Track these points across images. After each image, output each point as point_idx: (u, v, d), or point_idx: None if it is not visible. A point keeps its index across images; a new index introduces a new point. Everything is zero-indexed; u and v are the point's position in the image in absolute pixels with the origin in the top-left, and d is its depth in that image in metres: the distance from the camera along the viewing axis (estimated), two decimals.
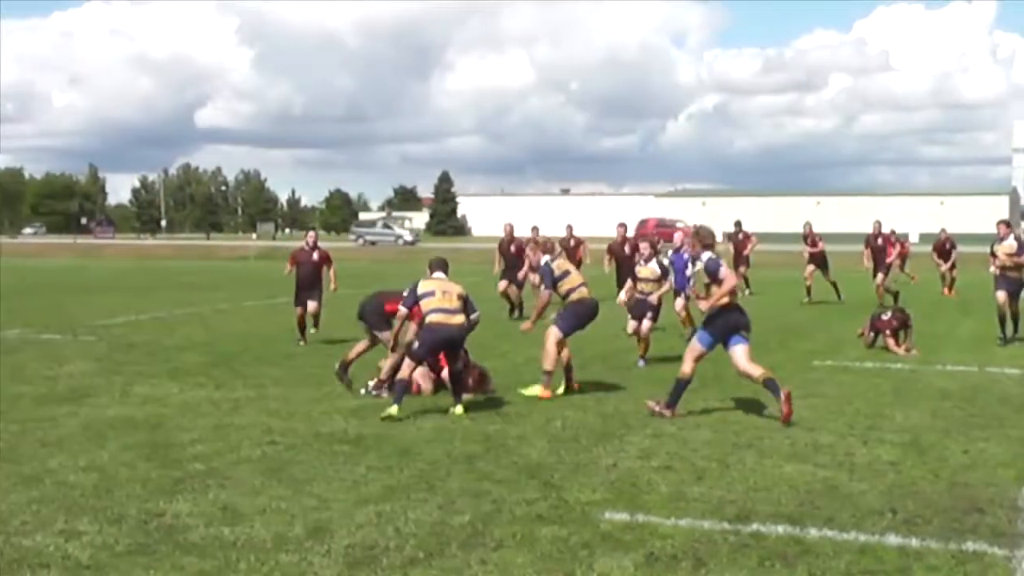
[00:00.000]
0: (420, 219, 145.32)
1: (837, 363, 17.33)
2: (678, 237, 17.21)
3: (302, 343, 19.46)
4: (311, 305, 19.88)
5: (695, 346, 12.64)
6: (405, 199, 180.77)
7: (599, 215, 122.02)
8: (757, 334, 13.30)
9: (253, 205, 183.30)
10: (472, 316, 13.09)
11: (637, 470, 9.92)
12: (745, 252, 32.91)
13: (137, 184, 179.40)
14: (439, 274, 13.26)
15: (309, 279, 19.96)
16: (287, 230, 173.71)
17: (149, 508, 8.53)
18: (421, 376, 13.83)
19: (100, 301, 30.64)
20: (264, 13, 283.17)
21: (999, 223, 20.20)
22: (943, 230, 35.64)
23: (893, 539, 7.79)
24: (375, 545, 7.64)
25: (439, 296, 12.82)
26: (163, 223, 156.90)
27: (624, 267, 22.94)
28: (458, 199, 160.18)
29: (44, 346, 18.97)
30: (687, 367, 12.49)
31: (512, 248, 25.68)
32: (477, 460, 10.24)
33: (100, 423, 11.94)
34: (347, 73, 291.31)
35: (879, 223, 30.46)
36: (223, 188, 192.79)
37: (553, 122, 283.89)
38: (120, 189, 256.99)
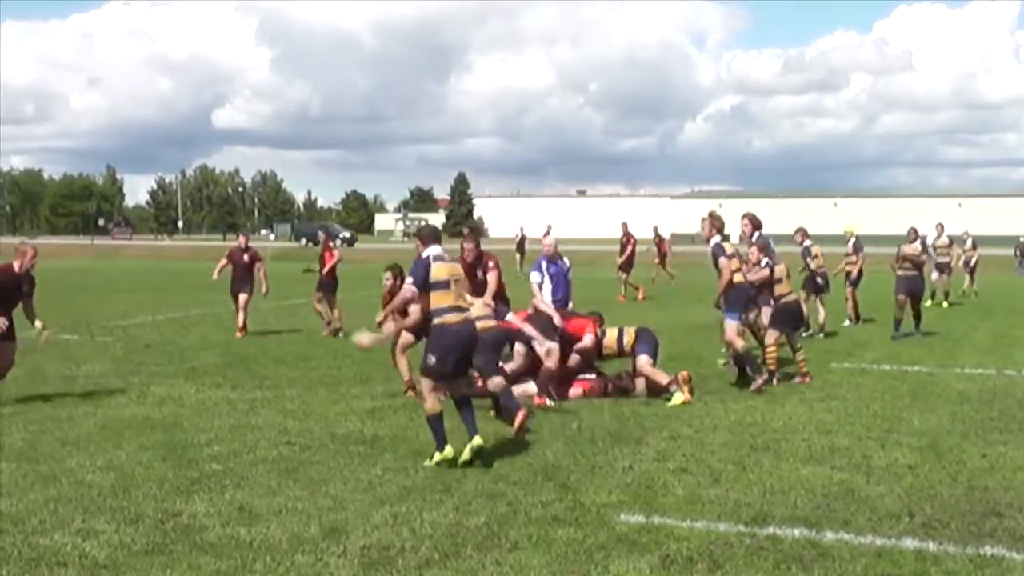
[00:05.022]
0: (436, 220, 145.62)
1: (855, 365, 17.29)
2: (549, 243, 15.92)
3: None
4: (242, 298, 21.85)
5: None
6: (421, 200, 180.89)
7: (617, 217, 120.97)
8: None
9: (270, 206, 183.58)
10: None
11: (653, 472, 9.90)
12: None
13: (154, 185, 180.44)
14: (438, 249, 10.54)
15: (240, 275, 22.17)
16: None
17: (166, 508, 8.56)
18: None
19: (117, 302, 30.75)
20: (283, 13, 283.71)
21: None
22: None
23: (910, 543, 7.76)
24: (391, 546, 7.65)
25: (454, 289, 10.40)
26: (180, 224, 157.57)
27: None
28: (474, 200, 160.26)
29: (62, 346, 19.03)
30: None
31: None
32: (493, 461, 10.20)
33: (117, 423, 12.00)
34: (365, 74, 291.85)
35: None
36: (240, 189, 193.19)
37: (571, 123, 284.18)
38: (138, 190, 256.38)
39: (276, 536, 7.85)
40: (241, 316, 21.58)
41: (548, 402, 13.41)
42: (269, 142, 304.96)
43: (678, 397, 13.57)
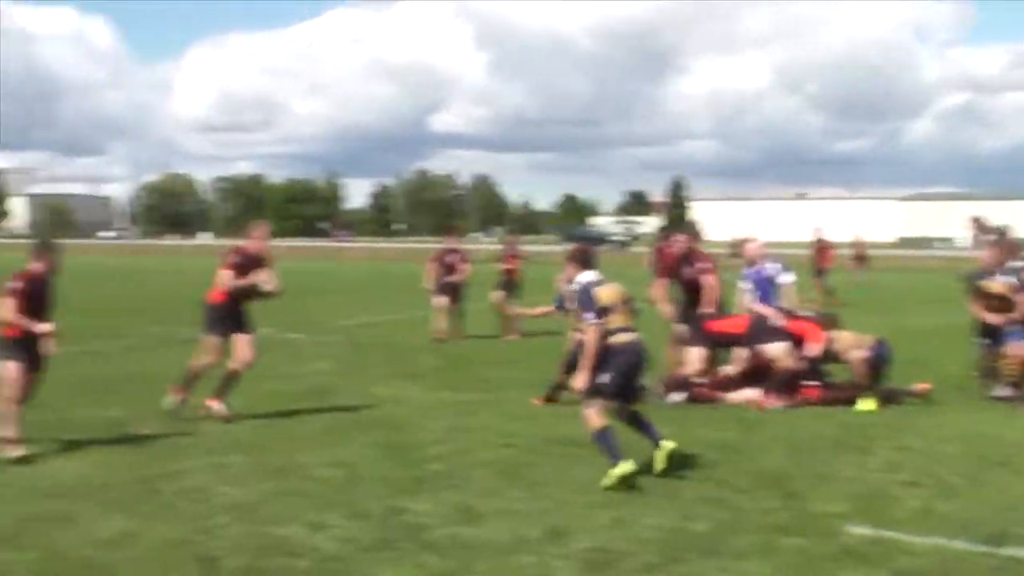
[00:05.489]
0: (652, 223, 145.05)
1: None
2: (751, 248, 15.70)
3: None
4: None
5: None
6: (638, 204, 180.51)
7: (837, 220, 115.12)
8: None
9: (486, 209, 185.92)
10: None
11: (882, 483, 9.66)
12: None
13: (374, 189, 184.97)
14: (592, 274, 10.11)
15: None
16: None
17: (391, 505, 8.76)
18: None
19: (340, 302, 31.61)
20: (500, 18, 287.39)
21: None
22: None
23: None
24: (612, 549, 7.66)
25: (621, 310, 9.96)
26: (398, 227, 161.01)
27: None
28: (691, 203, 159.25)
29: (289, 346, 19.67)
30: None
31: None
32: (715, 468, 10.13)
33: (343, 421, 12.32)
34: (581, 76, 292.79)
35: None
36: (457, 192, 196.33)
37: (788, 124, 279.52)
38: (357, 194, 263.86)
39: (498, 536, 7.94)
40: (444, 320, 21.62)
41: (773, 405, 13.29)
42: (485, 145, 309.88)
43: (865, 404, 13.39)
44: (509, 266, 23.23)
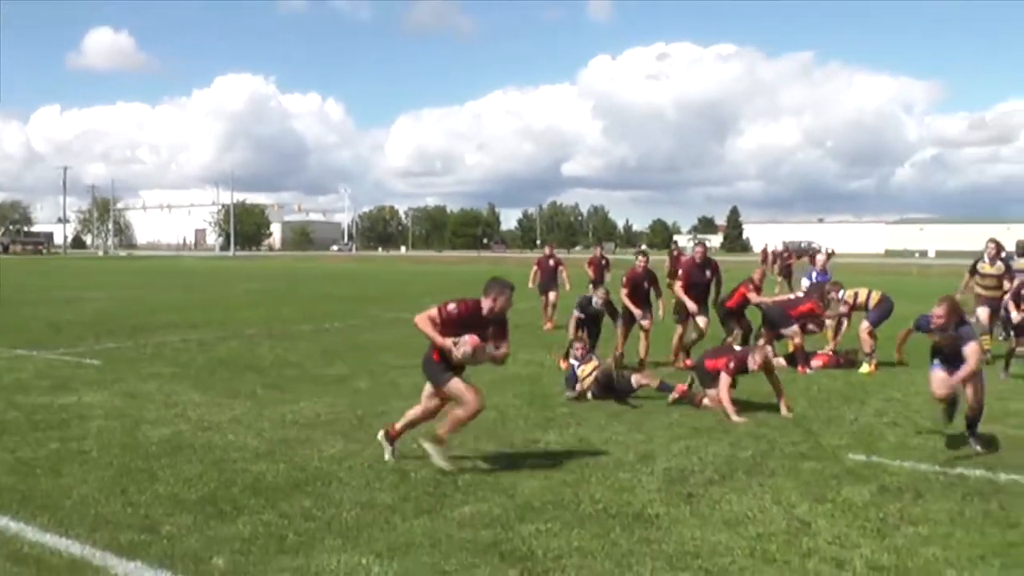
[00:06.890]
0: (716, 240, 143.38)
1: None
2: (820, 260, 15.69)
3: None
4: (551, 296, 20.29)
5: None
6: (706, 226, 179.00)
7: (845, 237, 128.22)
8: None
9: (600, 229, 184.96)
10: None
11: (873, 424, 9.63)
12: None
13: (521, 216, 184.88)
14: None
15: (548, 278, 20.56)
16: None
17: (529, 437, 8.96)
18: None
19: None
20: (611, 96, 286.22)
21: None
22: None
23: None
24: (685, 469, 7.78)
25: None
26: (538, 242, 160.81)
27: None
28: (744, 225, 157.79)
29: None
30: None
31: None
32: (757, 412, 10.16)
33: (498, 377, 12.38)
34: (668, 136, 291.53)
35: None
36: (579, 218, 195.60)
37: (813, 169, 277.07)
38: (510, 219, 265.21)
39: (605, 460, 8.08)
40: (549, 311, 20.01)
41: (806, 370, 13.25)
42: (600, 185, 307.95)
43: (865, 368, 13.21)
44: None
